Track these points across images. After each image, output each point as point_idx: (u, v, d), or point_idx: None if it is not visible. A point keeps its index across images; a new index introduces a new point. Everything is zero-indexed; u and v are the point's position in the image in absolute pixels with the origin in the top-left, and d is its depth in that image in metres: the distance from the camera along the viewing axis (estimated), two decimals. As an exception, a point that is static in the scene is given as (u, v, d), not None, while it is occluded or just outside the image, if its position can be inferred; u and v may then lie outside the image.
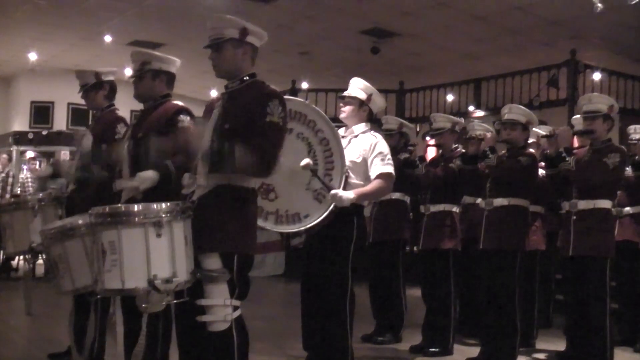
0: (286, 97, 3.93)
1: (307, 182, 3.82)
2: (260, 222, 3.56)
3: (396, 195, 5.69)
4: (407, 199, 5.91)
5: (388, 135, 5.56)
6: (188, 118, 3.57)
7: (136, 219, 2.67)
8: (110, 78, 4.51)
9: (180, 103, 3.67)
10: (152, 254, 2.65)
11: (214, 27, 3.08)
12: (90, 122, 4.89)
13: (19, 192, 10.68)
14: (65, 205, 4.22)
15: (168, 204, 2.75)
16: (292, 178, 3.76)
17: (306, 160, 3.76)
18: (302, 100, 4.09)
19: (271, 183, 3.68)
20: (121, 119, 4.39)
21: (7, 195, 9.41)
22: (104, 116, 4.43)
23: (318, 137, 3.85)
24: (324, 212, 3.83)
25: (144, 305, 2.73)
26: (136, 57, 3.75)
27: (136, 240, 2.65)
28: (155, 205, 2.73)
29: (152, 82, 3.70)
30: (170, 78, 3.77)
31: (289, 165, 3.72)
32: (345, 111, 4.36)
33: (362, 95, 4.36)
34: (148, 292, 2.65)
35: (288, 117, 3.68)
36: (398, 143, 5.84)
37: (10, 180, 10.94)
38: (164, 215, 2.69)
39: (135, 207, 2.72)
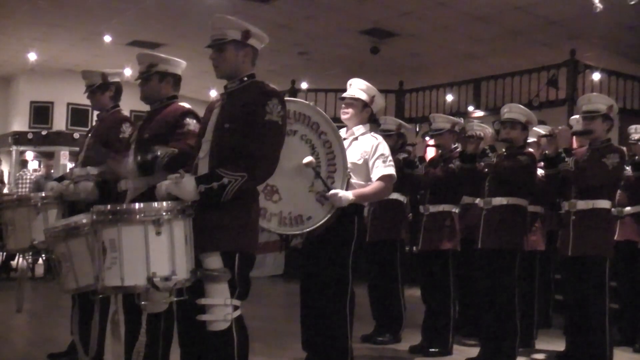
0: (291, 99, 3.94)
1: (310, 184, 3.81)
2: (263, 224, 3.56)
3: (394, 196, 5.65)
4: (405, 199, 5.92)
5: (386, 136, 5.56)
6: (194, 121, 3.58)
7: (137, 217, 2.68)
8: (117, 79, 4.53)
9: (186, 105, 3.68)
10: (152, 251, 2.65)
11: (216, 27, 3.08)
12: (93, 123, 4.90)
13: (7, 190, 10.75)
14: (68, 204, 4.22)
15: (169, 202, 2.76)
16: (295, 180, 3.76)
17: (309, 158, 3.76)
18: (306, 102, 4.08)
19: (275, 184, 3.67)
20: (126, 119, 4.42)
21: None
22: (109, 116, 4.45)
23: (321, 139, 3.85)
24: (327, 215, 3.82)
25: (144, 302, 2.73)
26: (143, 59, 3.75)
27: (136, 238, 2.66)
28: (156, 204, 2.74)
29: (159, 84, 3.71)
30: (176, 80, 3.78)
31: (293, 167, 3.72)
32: (348, 113, 4.35)
33: (365, 97, 4.36)
34: (147, 290, 2.66)
35: (292, 118, 3.72)
36: (396, 143, 5.83)
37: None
38: (164, 214, 2.70)
39: (136, 206, 2.73)
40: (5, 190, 11.48)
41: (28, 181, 11.56)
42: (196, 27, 9.67)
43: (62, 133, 14.56)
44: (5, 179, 12.93)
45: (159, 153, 3.38)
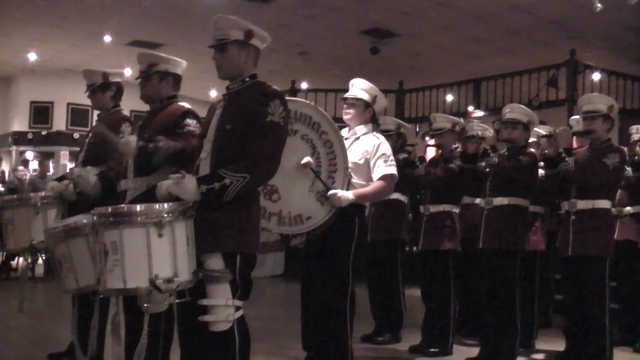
0: (292, 98, 3.93)
1: (310, 183, 3.80)
2: (263, 223, 3.55)
3: (394, 196, 5.65)
4: (405, 199, 5.92)
5: (386, 136, 5.55)
6: (194, 121, 3.57)
7: (138, 219, 2.67)
8: (118, 79, 4.53)
9: (186, 105, 3.67)
10: (154, 254, 2.65)
11: (219, 27, 3.07)
12: (94, 123, 4.90)
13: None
14: (68, 204, 4.22)
15: (170, 204, 2.75)
16: (295, 179, 3.75)
17: (307, 159, 3.75)
18: (307, 101, 4.08)
19: (275, 184, 3.67)
20: (126, 118, 4.42)
21: None
22: (109, 116, 4.45)
23: (322, 139, 3.84)
24: (327, 214, 3.82)
25: (146, 305, 2.73)
26: (143, 59, 3.74)
27: (138, 240, 2.65)
28: (157, 206, 2.73)
29: (159, 83, 3.70)
30: (176, 80, 3.77)
31: (293, 166, 3.72)
32: (350, 113, 4.35)
33: (367, 97, 4.36)
34: (150, 292, 2.65)
35: (293, 118, 3.71)
36: (396, 143, 5.83)
37: None
38: (165, 215, 2.69)
39: (138, 207, 2.72)
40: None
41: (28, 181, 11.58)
42: (196, 27, 9.67)
43: (62, 133, 14.56)
44: (7, 179, 12.93)
45: (160, 144, 3.34)
